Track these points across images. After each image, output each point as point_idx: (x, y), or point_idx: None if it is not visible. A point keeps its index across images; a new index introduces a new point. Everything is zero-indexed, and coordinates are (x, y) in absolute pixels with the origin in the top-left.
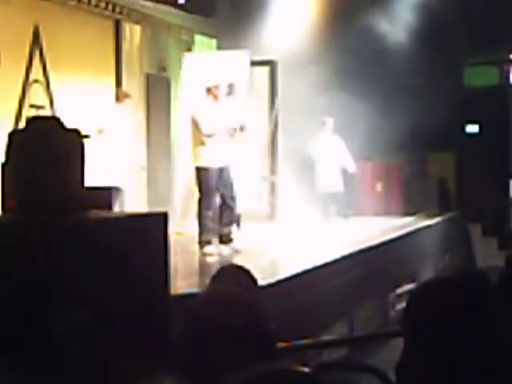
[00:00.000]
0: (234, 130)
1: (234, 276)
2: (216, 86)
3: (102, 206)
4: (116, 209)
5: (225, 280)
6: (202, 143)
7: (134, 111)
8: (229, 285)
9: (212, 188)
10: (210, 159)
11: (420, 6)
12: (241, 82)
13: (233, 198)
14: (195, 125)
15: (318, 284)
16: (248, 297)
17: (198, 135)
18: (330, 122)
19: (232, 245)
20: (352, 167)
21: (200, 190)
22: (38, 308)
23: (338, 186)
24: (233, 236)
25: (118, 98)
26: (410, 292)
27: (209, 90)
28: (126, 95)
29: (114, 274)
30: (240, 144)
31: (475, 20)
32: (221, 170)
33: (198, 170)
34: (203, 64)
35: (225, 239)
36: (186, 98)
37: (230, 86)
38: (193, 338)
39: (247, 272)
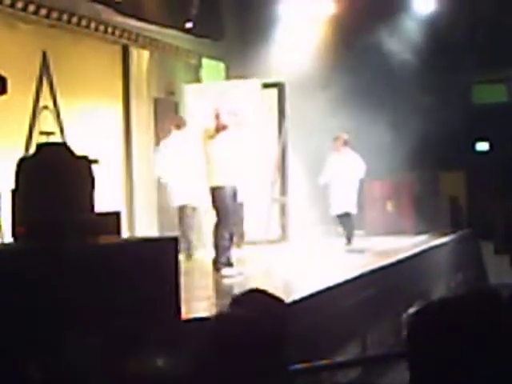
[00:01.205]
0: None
1: (263, 302)
2: (226, 113)
3: (111, 230)
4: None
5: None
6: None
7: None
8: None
9: (228, 207)
10: (225, 177)
11: (428, 25)
12: (251, 112)
13: (235, 224)
14: (205, 146)
15: (330, 305)
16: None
17: (210, 154)
18: (341, 137)
19: (235, 268)
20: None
21: (217, 212)
22: (50, 333)
23: (349, 206)
24: (232, 260)
25: (178, 127)
26: (411, 315)
27: (217, 117)
28: (185, 123)
29: (125, 299)
30: (250, 162)
31: (483, 38)
32: (234, 191)
33: (214, 189)
34: (211, 92)
35: (219, 266)
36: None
37: (236, 114)
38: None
39: (277, 299)
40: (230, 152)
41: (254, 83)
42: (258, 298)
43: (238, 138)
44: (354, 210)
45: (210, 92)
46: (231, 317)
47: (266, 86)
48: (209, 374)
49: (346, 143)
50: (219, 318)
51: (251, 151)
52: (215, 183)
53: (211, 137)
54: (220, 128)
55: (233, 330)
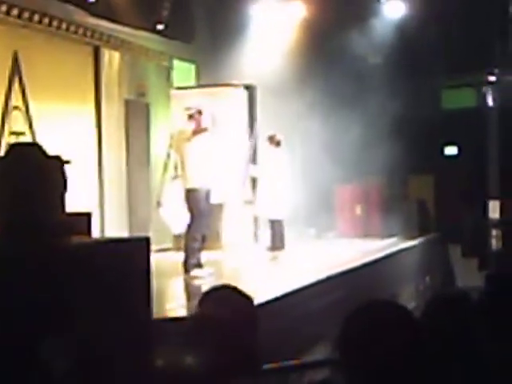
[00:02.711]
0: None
1: (226, 298)
2: (199, 112)
3: (82, 231)
4: None
5: (216, 302)
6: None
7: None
8: (219, 308)
9: (203, 210)
10: (200, 180)
11: (398, 30)
12: (233, 116)
13: (208, 226)
14: (181, 148)
15: (298, 306)
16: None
17: (186, 157)
18: (274, 137)
19: (205, 269)
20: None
21: (191, 213)
22: (22, 334)
23: (271, 211)
24: (202, 261)
25: (276, 144)
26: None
27: (190, 116)
28: (278, 142)
29: (94, 300)
30: (223, 164)
31: (453, 43)
32: (207, 193)
33: (189, 191)
34: (195, 97)
35: (188, 268)
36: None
37: (213, 118)
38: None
39: (240, 292)
40: (204, 154)
41: (238, 89)
42: (228, 295)
43: (213, 139)
44: (278, 216)
45: (193, 96)
46: (205, 316)
47: (236, 87)
48: (185, 371)
49: (278, 144)
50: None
51: (224, 153)
52: (190, 185)
53: (187, 139)
54: (200, 130)
55: (207, 329)
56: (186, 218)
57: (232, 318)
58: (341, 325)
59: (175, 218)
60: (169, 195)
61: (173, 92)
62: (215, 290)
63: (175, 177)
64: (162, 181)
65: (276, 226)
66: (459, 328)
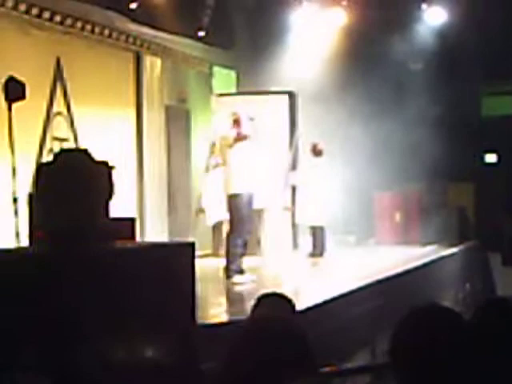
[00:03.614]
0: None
1: (273, 303)
2: (243, 118)
3: (126, 236)
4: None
5: (265, 308)
6: (231, 170)
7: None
8: (269, 311)
9: (244, 215)
10: (243, 185)
11: (438, 37)
12: (277, 124)
13: (250, 232)
14: (224, 154)
15: (340, 313)
16: (290, 322)
17: (229, 162)
18: (316, 146)
19: (247, 275)
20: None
21: (231, 219)
22: (62, 339)
23: (313, 218)
24: (244, 267)
25: (318, 152)
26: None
27: (235, 122)
28: (320, 151)
29: (140, 305)
30: (265, 170)
31: (492, 50)
32: (250, 198)
33: (230, 197)
34: (238, 103)
35: (230, 274)
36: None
37: (255, 125)
38: (237, 365)
39: (286, 299)
40: (247, 160)
41: (281, 96)
42: (269, 300)
43: (254, 146)
44: (320, 222)
45: (236, 103)
46: (263, 316)
47: (277, 94)
48: (242, 370)
49: (320, 153)
50: (251, 318)
51: (265, 159)
52: (232, 191)
53: (230, 145)
54: (241, 137)
55: (266, 327)
56: (222, 208)
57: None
58: (393, 330)
59: (212, 207)
60: (207, 185)
61: (215, 98)
62: (266, 296)
63: (215, 166)
64: (202, 186)
65: (317, 233)
66: (507, 333)
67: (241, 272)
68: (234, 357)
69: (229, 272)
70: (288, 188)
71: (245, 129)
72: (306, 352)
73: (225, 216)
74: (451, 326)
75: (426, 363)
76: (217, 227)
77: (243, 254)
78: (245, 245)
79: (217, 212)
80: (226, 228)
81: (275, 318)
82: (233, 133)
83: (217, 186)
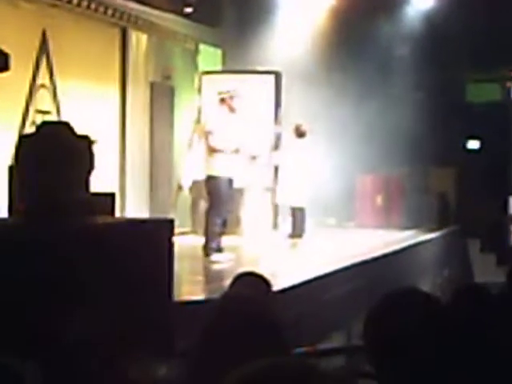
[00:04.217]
0: (250, 157)
1: (250, 282)
2: (231, 96)
3: (106, 211)
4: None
5: (242, 287)
6: (213, 153)
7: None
8: (245, 291)
9: (222, 196)
10: (222, 168)
11: (424, 22)
12: (263, 103)
13: (230, 211)
14: (207, 136)
15: (316, 295)
16: (264, 304)
17: (210, 146)
18: (299, 126)
19: (225, 254)
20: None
21: (210, 198)
22: (40, 313)
23: (294, 199)
24: (222, 246)
25: (301, 134)
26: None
27: (223, 100)
28: (304, 133)
29: (118, 280)
30: (247, 159)
31: (478, 37)
32: (230, 182)
33: (209, 178)
34: (223, 81)
35: (209, 252)
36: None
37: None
38: (210, 344)
39: (262, 278)
40: (230, 143)
41: (267, 76)
42: (245, 279)
43: (238, 122)
44: (300, 203)
45: (223, 81)
46: (237, 296)
47: (262, 74)
48: (215, 349)
49: (302, 134)
50: (226, 297)
51: (248, 138)
52: (211, 172)
53: (201, 135)
54: (208, 133)
55: (240, 308)
56: (195, 174)
57: (261, 301)
58: (368, 313)
59: (188, 172)
60: (187, 162)
61: (200, 76)
62: (243, 275)
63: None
64: (183, 164)
65: (297, 214)
66: (482, 319)
67: (219, 250)
68: (207, 336)
69: (207, 250)
70: (270, 168)
71: (234, 106)
72: (277, 333)
73: (199, 176)
74: (426, 310)
75: (398, 347)
76: (195, 204)
77: (222, 233)
78: (224, 223)
79: (192, 174)
80: (204, 206)
81: (249, 298)
82: (222, 110)
83: (196, 161)
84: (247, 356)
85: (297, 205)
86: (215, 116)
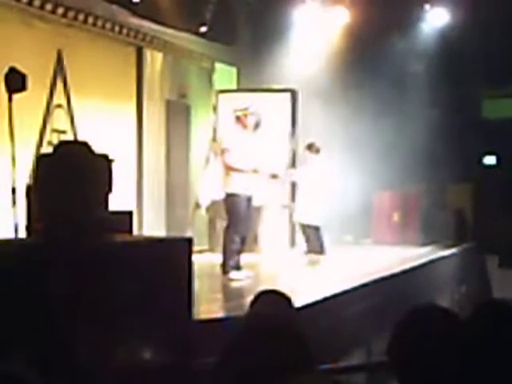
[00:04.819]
0: (269, 175)
1: (272, 299)
2: (245, 114)
3: (124, 229)
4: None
5: (263, 304)
6: (230, 171)
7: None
8: (267, 308)
9: (241, 213)
10: (240, 186)
11: (439, 38)
12: (277, 121)
13: (248, 229)
14: (224, 154)
15: (335, 312)
16: (289, 321)
17: (227, 164)
18: (313, 145)
19: (244, 271)
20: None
21: (229, 216)
22: (59, 330)
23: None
24: (241, 264)
25: (316, 151)
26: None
27: (238, 118)
28: (318, 150)
29: (137, 298)
30: (266, 177)
31: (493, 53)
32: (249, 200)
33: (228, 196)
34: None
35: (227, 270)
36: (220, 130)
37: (258, 121)
38: (235, 362)
39: (283, 295)
40: (247, 161)
41: (283, 94)
42: (267, 297)
43: (255, 141)
44: (317, 222)
45: (241, 100)
46: (262, 313)
47: (278, 92)
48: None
49: (317, 151)
50: (250, 314)
51: (265, 156)
52: (231, 190)
53: (216, 153)
54: (244, 126)
55: (265, 325)
56: (213, 193)
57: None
58: (392, 329)
59: (206, 190)
60: (204, 179)
61: (219, 95)
62: (264, 293)
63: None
64: (200, 182)
65: (310, 231)
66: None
67: (238, 268)
68: (232, 353)
69: (225, 268)
70: (287, 185)
71: (248, 124)
72: (303, 349)
73: (218, 196)
74: (448, 326)
75: (424, 363)
76: (212, 222)
77: (241, 251)
78: (243, 241)
79: (210, 193)
80: (222, 224)
81: (273, 315)
82: (237, 128)
83: (214, 179)
84: (273, 373)
85: (311, 223)
86: (231, 134)
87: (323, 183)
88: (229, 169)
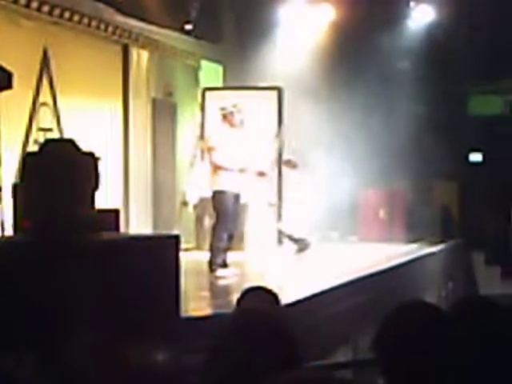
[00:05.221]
0: (256, 173)
1: (258, 296)
2: (231, 112)
3: (110, 227)
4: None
5: (250, 301)
6: (218, 170)
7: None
8: (254, 305)
9: (229, 211)
10: (228, 184)
11: (425, 35)
12: (264, 119)
13: (236, 226)
14: (211, 152)
15: (322, 309)
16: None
17: (214, 163)
18: (290, 162)
19: (230, 269)
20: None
21: (217, 214)
22: (44, 329)
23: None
24: (227, 262)
25: (293, 167)
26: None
27: (224, 116)
28: (295, 165)
29: (124, 296)
30: (253, 175)
31: (480, 49)
32: (236, 197)
33: (216, 193)
34: (226, 97)
35: (214, 267)
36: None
37: (242, 119)
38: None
39: (270, 292)
40: (234, 160)
41: (269, 91)
42: (254, 294)
43: (241, 139)
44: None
45: (228, 97)
46: (251, 310)
47: (264, 89)
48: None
49: (294, 167)
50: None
51: (251, 154)
52: (218, 188)
53: (205, 150)
54: (211, 148)
55: (254, 321)
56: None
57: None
58: (379, 325)
59: (193, 188)
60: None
61: (205, 93)
62: (251, 290)
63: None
64: (186, 180)
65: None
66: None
67: (224, 266)
68: (220, 350)
69: (212, 266)
70: (273, 183)
71: (235, 122)
72: (291, 346)
73: (205, 193)
74: (436, 322)
75: (410, 359)
76: (200, 220)
77: (228, 248)
78: (230, 239)
79: (197, 191)
80: (209, 222)
81: (261, 312)
82: (224, 126)
83: (201, 177)
84: (262, 370)
85: (293, 236)
86: (217, 132)
87: (304, 198)
88: (216, 167)
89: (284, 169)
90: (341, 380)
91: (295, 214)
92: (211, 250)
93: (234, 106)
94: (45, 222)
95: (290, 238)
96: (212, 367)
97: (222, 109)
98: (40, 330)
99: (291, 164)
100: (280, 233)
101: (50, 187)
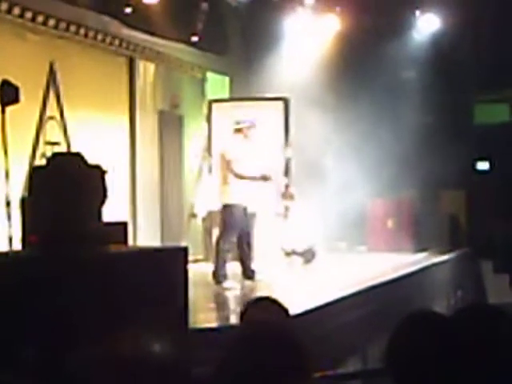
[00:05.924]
0: (262, 178)
1: (267, 307)
2: (248, 127)
3: (119, 240)
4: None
5: (259, 312)
6: (228, 181)
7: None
8: (262, 316)
9: (235, 223)
10: (237, 196)
11: (430, 44)
12: (271, 130)
13: (249, 235)
14: (224, 163)
15: (330, 319)
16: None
17: (227, 173)
18: (286, 193)
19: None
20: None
21: (223, 225)
22: (53, 343)
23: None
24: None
25: (290, 197)
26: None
27: (239, 130)
28: (292, 196)
29: (133, 308)
30: (261, 185)
31: (485, 58)
32: (245, 210)
33: (225, 206)
34: (232, 109)
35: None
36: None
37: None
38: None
39: (278, 303)
40: (251, 169)
41: (276, 102)
42: (273, 306)
43: (251, 151)
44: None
45: (234, 109)
46: (260, 321)
47: (270, 100)
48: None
49: (291, 197)
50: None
51: (260, 165)
52: (228, 200)
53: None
54: (245, 136)
55: (262, 333)
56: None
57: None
58: (390, 335)
59: (201, 200)
60: (199, 190)
61: (212, 104)
62: (259, 300)
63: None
64: (194, 192)
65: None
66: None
67: (225, 277)
68: (228, 361)
69: (217, 277)
70: (280, 194)
71: (252, 137)
72: (299, 357)
73: (214, 206)
74: (446, 332)
75: (420, 369)
76: (208, 232)
77: (252, 257)
78: (249, 246)
79: (206, 203)
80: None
81: (269, 323)
82: (236, 140)
83: (209, 189)
84: (270, 381)
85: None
86: (234, 144)
87: (304, 226)
88: (240, 178)
89: (282, 201)
90: None
91: (299, 225)
92: (216, 261)
93: (250, 123)
94: (52, 236)
95: (294, 252)
96: (221, 378)
97: (238, 123)
98: (47, 344)
99: (288, 195)
100: (283, 250)
101: (58, 201)
